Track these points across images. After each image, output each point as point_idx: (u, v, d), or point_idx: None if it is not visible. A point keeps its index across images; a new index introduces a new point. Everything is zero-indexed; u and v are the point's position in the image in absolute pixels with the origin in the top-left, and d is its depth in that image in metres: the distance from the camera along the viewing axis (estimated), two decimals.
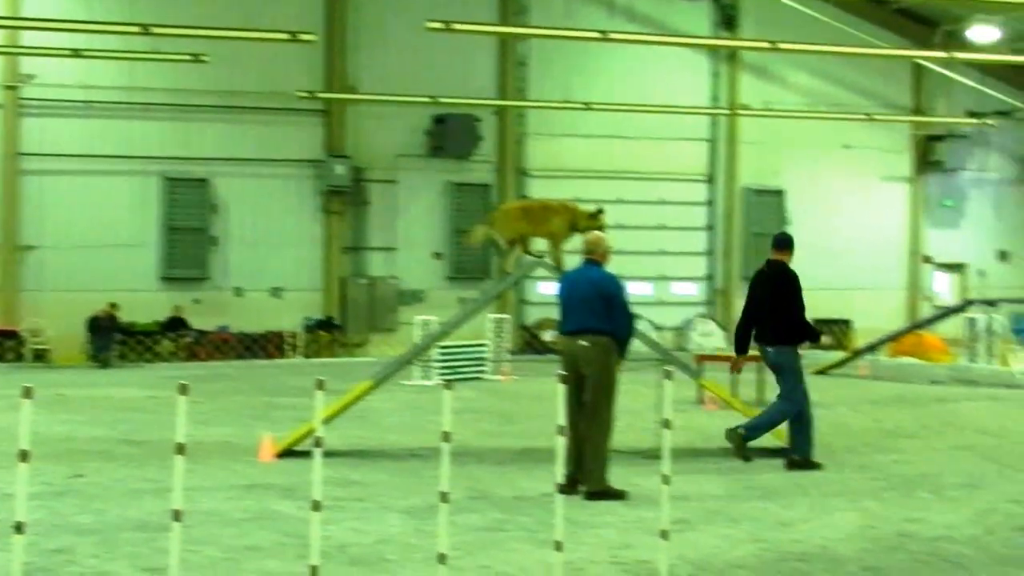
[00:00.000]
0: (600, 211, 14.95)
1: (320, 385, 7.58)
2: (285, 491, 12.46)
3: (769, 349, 14.54)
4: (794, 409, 14.39)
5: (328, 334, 36.18)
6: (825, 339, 32.91)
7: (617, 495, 12.10)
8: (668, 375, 9.10)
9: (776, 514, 11.30)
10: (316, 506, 7.36)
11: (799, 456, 14.28)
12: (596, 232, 13.31)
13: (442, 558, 7.62)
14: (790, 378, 14.50)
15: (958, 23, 40.43)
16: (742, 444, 14.40)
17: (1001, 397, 23.12)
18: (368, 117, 37.75)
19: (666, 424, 8.90)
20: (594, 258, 12.83)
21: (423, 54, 37.66)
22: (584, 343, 12.36)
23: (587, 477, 12.23)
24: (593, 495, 12.09)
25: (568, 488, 11.68)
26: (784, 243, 15.06)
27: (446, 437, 7.78)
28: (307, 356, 35.06)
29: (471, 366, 27.45)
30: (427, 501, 11.96)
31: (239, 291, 36.48)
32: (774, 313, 14.44)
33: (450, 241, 38.55)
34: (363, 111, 37.73)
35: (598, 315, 12.38)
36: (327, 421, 15.04)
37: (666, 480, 8.71)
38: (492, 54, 39.18)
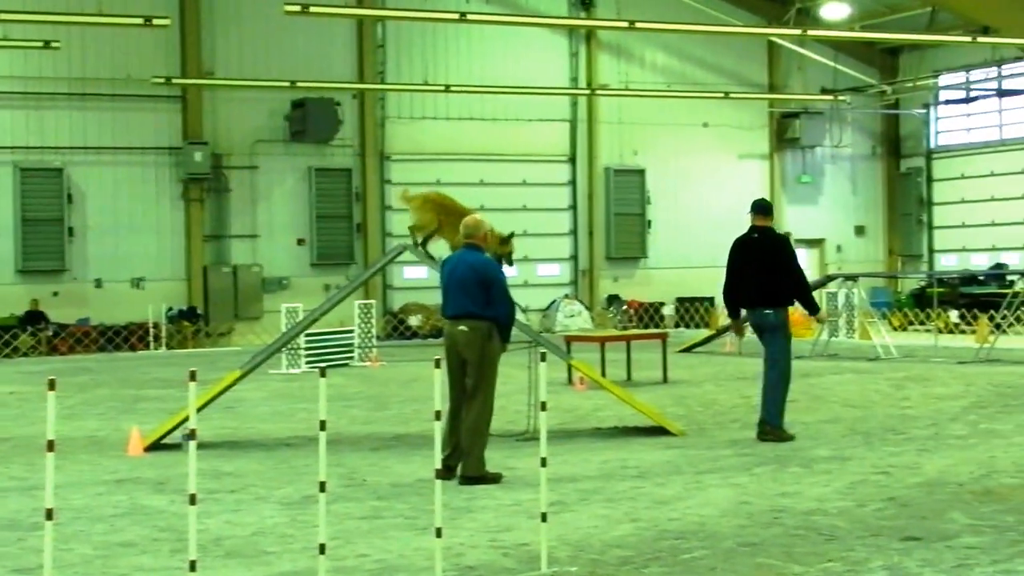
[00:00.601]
0: (512, 235, 14.93)
1: (193, 376, 7.43)
2: (156, 485, 12.26)
3: (767, 311, 14.66)
4: (789, 368, 14.78)
5: (192, 324, 35.70)
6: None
7: (493, 479, 12.07)
8: (543, 357, 9.08)
9: (651, 492, 11.35)
10: (192, 499, 7.22)
11: (771, 425, 14.59)
12: (475, 215, 13.12)
13: (322, 548, 7.52)
14: (784, 339, 14.74)
15: (811, 1, 41.03)
16: (777, 432, 14.57)
17: (864, 370, 23.52)
18: (226, 102, 37.31)
19: (542, 406, 8.87)
20: (474, 242, 12.66)
21: (281, 38, 37.35)
22: (463, 328, 12.26)
23: (464, 462, 12.15)
24: (469, 479, 12.03)
25: (445, 473, 11.65)
26: (767, 209, 15.29)
27: (323, 426, 7.68)
28: (171, 347, 34.55)
29: (339, 353, 27.28)
30: (301, 491, 11.86)
31: (99, 282, 35.85)
32: (772, 276, 14.62)
33: (313, 227, 38.25)
34: (221, 96, 37.28)
35: (476, 300, 12.27)
36: (197, 412, 14.83)
37: (544, 462, 8.69)
38: (351, 37, 38.90)
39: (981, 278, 37.72)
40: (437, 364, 8.27)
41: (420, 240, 15.34)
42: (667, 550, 9.00)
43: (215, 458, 13.77)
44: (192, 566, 7.20)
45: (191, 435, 7.29)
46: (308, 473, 12.85)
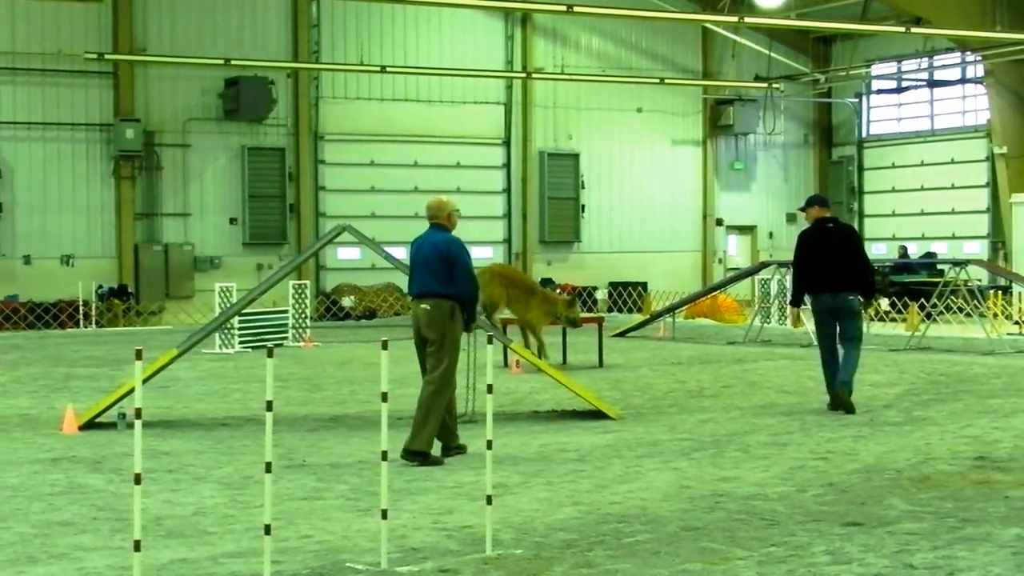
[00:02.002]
0: (574, 298, 15.25)
1: (139, 355, 7.34)
2: (93, 464, 12.15)
3: (850, 296, 15.78)
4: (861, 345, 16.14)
5: (122, 302, 35.36)
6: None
7: (435, 462, 12.08)
8: (491, 340, 9.06)
9: (592, 476, 11.37)
10: (137, 479, 7.14)
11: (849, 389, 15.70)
12: (439, 196, 13.30)
13: (268, 529, 7.47)
14: (859, 321, 16.23)
15: None
16: (848, 399, 15.60)
17: (797, 356, 23.66)
18: (159, 80, 36.95)
19: (489, 389, 8.85)
20: (439, 222, 12.77)
21: (215, 15, 37.11)
22: (426, 306, 12.36)
23: (412, 435, 12.12)
24: (413, 454, 12.00)
25: (444, 452, 12.32)
26: (827, 201, 16.81)
27: (269, 406, 7.61)
28: (101, 325, 34.23)
29: (273, 333, 27.11)
30: (240, 471, 11.80)
31: (28, 259, 35.43)
32: (853, 263, 15.79)
33: (246, 206, 37.98)
34: (153, 73, 36.91)
35: (440, 279, 12.33)
36: (131, 392, 14.71)
37: (489, 445, 8.68)
38: (285, 16, 38.63)
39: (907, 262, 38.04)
40: (384, 346, 8.22)
41: (488, 313, 15.59)
42: (610, 533, 9.01)
43: (151, 437, 13.64)
44: (137, 546, 7.12)
45: (137, 414, 7.19)
46: (246, 453, 12.78)
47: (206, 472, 11.73)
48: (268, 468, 7.58)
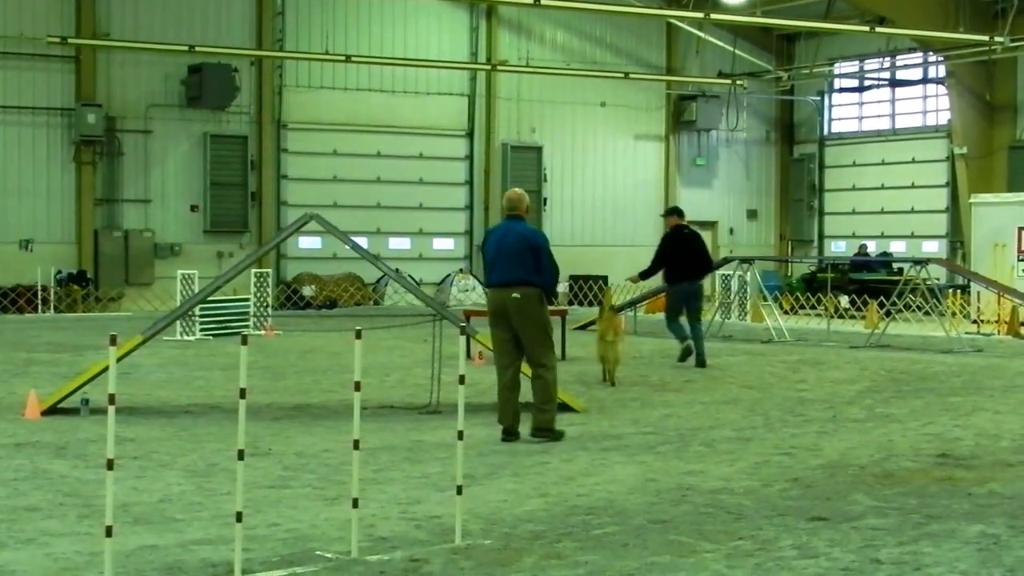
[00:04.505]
0: None
1: (113, 340, 7.32)
2: (57, 449, 12.10)
3: (700, 283, 21.54)
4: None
5: (81, 288, 35.14)
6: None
7: (559, 435, 12.94)
8: (463, 331, 9.07)
9: (558, 468, 11.40)
10: (110, 465, 7.13)
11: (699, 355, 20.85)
12: (516, 189, 13.86)
13: (239, 516, 7.46)
14: (703, 301, 22.21)
15: None
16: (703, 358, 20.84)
17: (758, 352, 23.77)
18: (121, 65, 36.72)
19: (461, 380, 8.86)
20: (518, 213, 13.35)
21: (179, 1, 36.87)
22: (516, 295, 12.96)
23: (538, 416, 12.96)
24: (542, 431, 12.91)
25: (509, 437, 12.81)
26: (683, 212, 22.46)
27: (243, 394, 7.61)
28: (59, 311, 34.02)
29: (234, 321, 27.00)
30: (206, 458, 11.78)
31: None
32: (703, 259, 21.44)
33: (207, 194, 37.83)
34: (116, 58, 36.68)
35: (527, 267, 12.99)
36: (94, 378, 14.67)
37: (460, 435, 8.69)
38: (250, 3, 38.46)
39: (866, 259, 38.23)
40: (358, 335, 8.22)
41: None
42: (579, 525, 9.05)
43: (115, 424, 13.55)
44: (108, 531, 7.11)
45: (111, 399, 7.17)
46: (211, 441, 12.75)
47: (171, 459, 11.70)
48: (240, 455, 7.58)
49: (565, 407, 15.18)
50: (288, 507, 9.62)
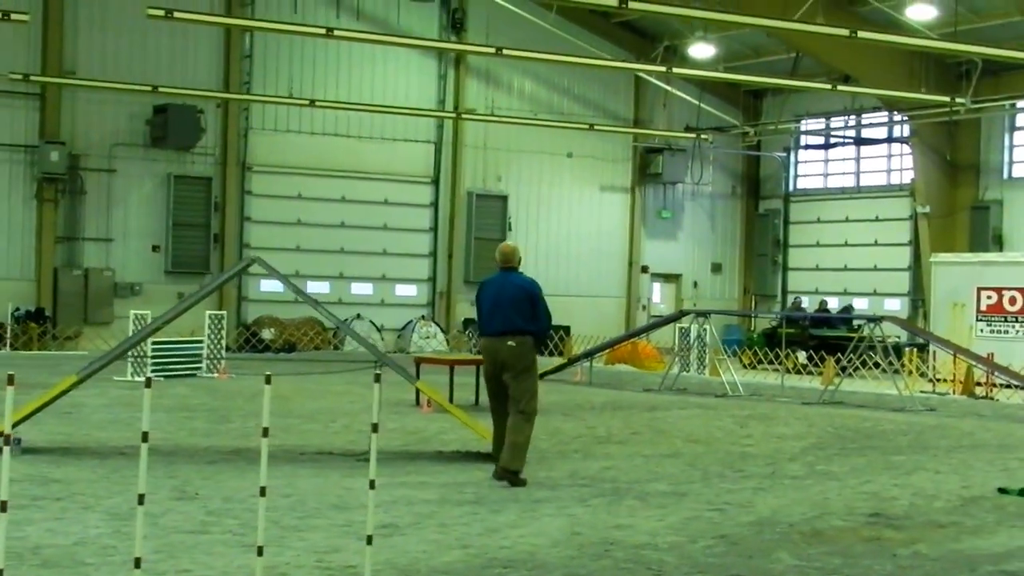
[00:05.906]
0: None
1: (11, 380, 7.21)
2: None
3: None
4: None
5: (39, 326, 34.94)
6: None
7: (523, 483, 13.18)
8: (377, 379, 8.98)
9: (485, 519, 11.29)
10: (3, 507, 7.00)
11: None
12: (509, 243, 14.62)
13: (138, 562, 7.34)
14: None
15: (679, 40, 41.52)
16: None
17: (710, 406, 23.71)
18: (86, 103, 36.66)
19: (374, 428, 8.76)
20: (512, 266, 14.05)
21: (145, 41, 36.89)
22: (511, 343, 13.52)
23: (509, 454, 13.28)
24: (508, 472, 13.22)
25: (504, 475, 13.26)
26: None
27: (144, 437, 7.49)
28: (15, 348, 33.81)
29: (186, 363, 26.85)
30: (130, 501, 11.58)
31: None
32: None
33: (169, 234, 37.73)
34: (81, 96, 36.61)
35: (525, 316, 13.64)
36: (27, 418, 14.52)
37: (372, 484, 8.57)
38: (216, 45, 38.51)
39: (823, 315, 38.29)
40: (267, 380, 8.12)
41: None
42: None
43: (45, 464, 13.46)
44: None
45: (5, 440, 7.05)
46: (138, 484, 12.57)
47: (95, 501, 11.55)
48: (140, 500, 7.46)
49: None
50: (203, 553, 9.48)
